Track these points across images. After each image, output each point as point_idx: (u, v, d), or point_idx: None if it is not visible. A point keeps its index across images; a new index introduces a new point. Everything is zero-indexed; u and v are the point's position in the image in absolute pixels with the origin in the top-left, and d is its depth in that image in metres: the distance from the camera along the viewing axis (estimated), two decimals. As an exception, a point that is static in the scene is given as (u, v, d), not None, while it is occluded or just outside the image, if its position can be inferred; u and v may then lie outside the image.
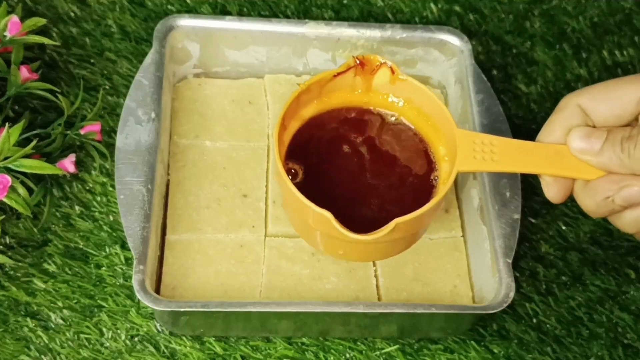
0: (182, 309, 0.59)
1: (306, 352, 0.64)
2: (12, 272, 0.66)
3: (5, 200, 0.61)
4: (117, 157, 0.64)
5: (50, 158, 0.67)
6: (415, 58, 0.74)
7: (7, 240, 0.67)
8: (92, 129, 0.68)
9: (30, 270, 0.66)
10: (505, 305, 0.60)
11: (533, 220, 0.72)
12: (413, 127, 0.61)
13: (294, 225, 0.62)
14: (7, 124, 0.62)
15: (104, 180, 0.70)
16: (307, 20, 0.73)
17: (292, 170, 0.59)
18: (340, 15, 0.83)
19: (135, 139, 0.65)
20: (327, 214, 0.54)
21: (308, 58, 0.74)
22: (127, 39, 0.79)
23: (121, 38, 0.79)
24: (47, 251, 0.67)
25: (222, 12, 0.82)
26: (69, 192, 0.70)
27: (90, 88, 0.75)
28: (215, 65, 0.74)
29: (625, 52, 0.84)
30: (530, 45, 0.83)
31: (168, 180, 0.68)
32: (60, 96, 0.68)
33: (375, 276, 0.66)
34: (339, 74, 0.60)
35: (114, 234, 0.68)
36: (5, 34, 0.67)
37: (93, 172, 0.71)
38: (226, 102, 0.73)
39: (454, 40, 0.73)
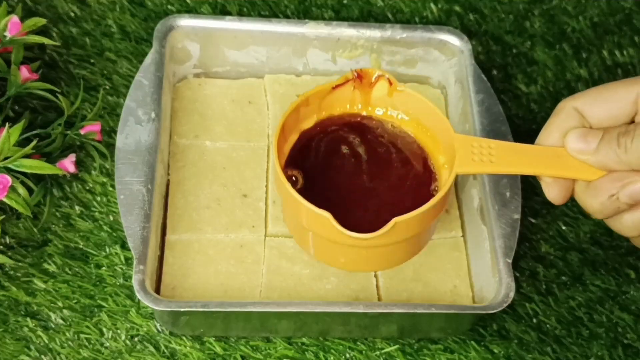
0: (182, 309, 0.59)
1: (306, 352, 0.64)
2: (12, 272, 0.66)
3: (5, 200, 0.61)
4: (117, 157, 0.64)
5: (50, 158, 0.67)
6: (415, 58, 0.74)
7: (7, 240, 0.67)
8: (92, 129, 0.68)
9: (30, 270, 0.66)
10: (505, 305, 0.60)
11: (533, 220, 0.72)
12: (413, 137, 0.62)
13: (297, 238, 0.62)
14: (7, 124, 0.62)
15: (104, 180, 0.70)
16: (307, 20, 0.73)
17: (293, 178, 0.59)
18: (340, 15, 0.83)
19: (135, 139, 0.65)
20: (326, 214, 0.54)
21: (308, 58, 0.74)
22: (127, 39, 0.79)
23: (121, 38, 0.79)
24: (47, 251, 0.67)
25: (222, 12, 0.82)
26: (69, 192, 0.70)
27: (90, 88, 0.75)
28: (215, 65, 0.74)
29: (625, 52, 0.84)
30: (530, 45, 0.83)
31: (168, 180, 0.68)
32: (60, 96, 0.68)
33: (375, 276, 0.66)
34: (337, 86, 0.61)
35: (114, 234, 0.68)
36: (5, 34, 0.67)
37: (93, 172, 0.71)
38: (226, 102, 0.73)
39: (454, 40, 0.73)
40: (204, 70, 0.74)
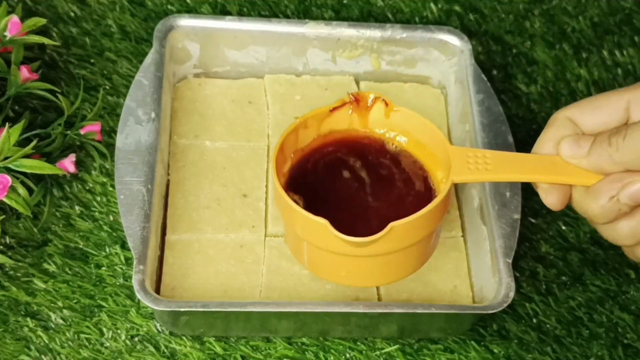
0: (182, 309, 0.59)
1: (306, 352, 0.64)
2: (12, 272, 0.66)
3: (5, 200, 0.61)
4: (117, 157, 0.64)
5: (50, 158, 0.67)
6: (415, 58, 0.74)
7: (7, 240, 0.67)
8: (92, 129, 0.68)
9: (30, 270, 0.66)
10: (505, 305, 0.60)
11: (533, 220, 0.72)
12: (413, 156, 0.62)
13: (298, 257, 0.62)
14: (7, 124, 0.62)
15: (104, 180, 0.70)
16: (307, 20, 0.73)
17: (293, 201, 0.59)
18: (340, 15, 0.83)
19: (135, 139, 0.65)
20: (323, 221, 0.54)
21: (308, 58, 0.74)
22: (127, 39, 0.79)
23: (121, 38, 0.79)
24: (47, 251, 0.67)
25: (222, 12, 0.82)
26: (69, 192, 0.70)
27: (90, 88, 0.75)
28: (215, 65, 0.74)
29: (625, 52, 0.84)
30: (530, 45, 0.83)
31: (168, 180, 0.68)
32: (60, 96, 0.68)
33: (375, 276, 0.66)
34: (334, 108, 0.61)
35: (114, 234, 0.68)
36: (5, 34, 0.67)
37: (93, 172, 0.71)
38: (226, 102, 0.73)
39: (454, 40, 0.73)
40: (204, 70, 0.74)
